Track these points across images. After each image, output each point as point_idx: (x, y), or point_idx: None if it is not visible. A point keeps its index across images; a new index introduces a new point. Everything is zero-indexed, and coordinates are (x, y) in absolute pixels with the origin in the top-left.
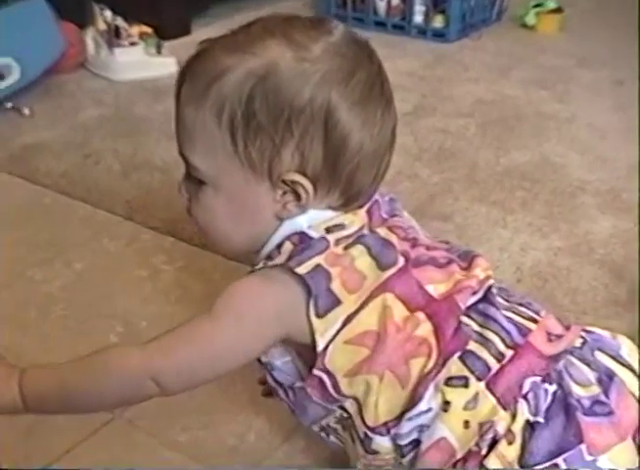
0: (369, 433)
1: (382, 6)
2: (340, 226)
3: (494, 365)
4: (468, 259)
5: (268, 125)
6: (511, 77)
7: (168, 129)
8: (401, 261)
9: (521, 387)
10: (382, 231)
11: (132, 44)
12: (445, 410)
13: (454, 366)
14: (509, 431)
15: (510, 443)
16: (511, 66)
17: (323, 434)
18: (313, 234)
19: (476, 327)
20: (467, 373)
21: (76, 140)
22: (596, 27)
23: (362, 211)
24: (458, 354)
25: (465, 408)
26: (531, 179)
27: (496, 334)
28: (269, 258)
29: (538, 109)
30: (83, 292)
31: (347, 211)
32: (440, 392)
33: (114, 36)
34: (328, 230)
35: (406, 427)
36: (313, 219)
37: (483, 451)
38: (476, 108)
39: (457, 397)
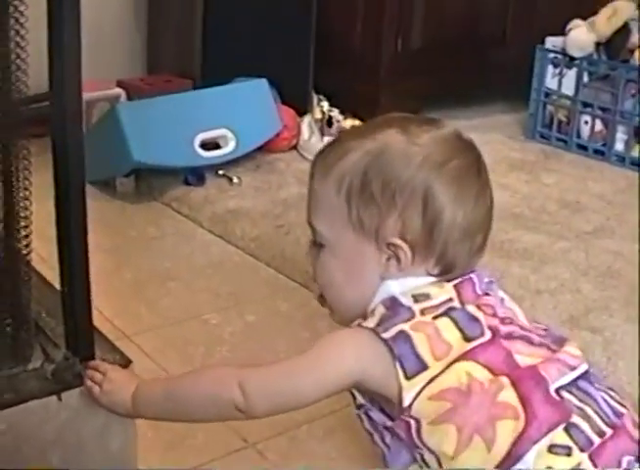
0: None
1: (585, 130)
2: (425, 296)
3: (596, 440)
4: (559, 343)
5: (378, 196)
6: None
7: None
8: (488, 335)
9: (619, 463)
10: (470, 308)
11: None
12: None
13: (558, 436)
14: None
15: None
16: None
17: None
18: (403, 300)
19: (576, 402)
20: (571, 443)
21: (274, 212)
22: None
23: (449, 285)
24: (563, 426)
25: None
26: None
27: (596, 412)
28: (364, 318)
29: None
30: (249, 340)
31: (435, 283)
32: (543, 457)
33: (326, 125)
34: (415, 298)
35: None
36: (406, 286)
37: None
38: None
39: (560, 464)
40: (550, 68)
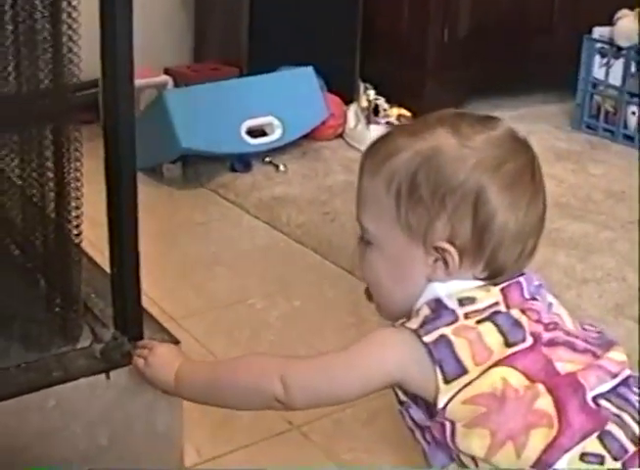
0: None
1: (632, 120)
2: (470, 299)
3: (631, 448)
4: (606, 348)
5: (427, 198)
6: None
7: None
8: (529, 341)
9: None
10: (515, 312)
11: (388, 123)
12: None
13: (591, 444)
14: None
15: None
16: None
17: None
18: (448, 303)
19: (614, 410)
20: (603, 452)
21: (320, 198)
22: None
23: (496, 289)
24: (597, 434)
25: None
26: None
27: (633, 418)
28: (408, 317)
29: None
30: (295, 325)
31: (482, 287)
32: (574, 465)
33: (372, 114)
34: (460, 301)
35: None
36: (452, 288)
37: None
38: None
39: None
40: (597, 58)
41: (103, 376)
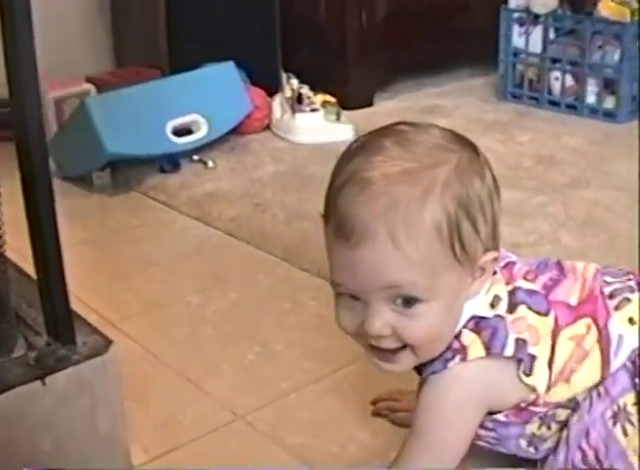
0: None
1: (556, 86)
2: (497, 298)
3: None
4: (553, 268)
5: (468, 226)
6: None
7: None
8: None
9: None
10: (523, 283)
11: (313, 110)
12: None
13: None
14: None
15: None
16: None
17: (532, 449)
18: (486, 314)
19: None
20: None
21: (250, 191)
22: None
23: (497, 275)
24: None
25: None
26: None
27: None
28: (454, 351)
29: None
30: (233, 317)
31: (492, 282)
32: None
33: (296, 102)
34: (492, 306)
35: None
36: (477, 300)
37: None
38: (631, 183)
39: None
40: (516, 27)
41: (39, 383)
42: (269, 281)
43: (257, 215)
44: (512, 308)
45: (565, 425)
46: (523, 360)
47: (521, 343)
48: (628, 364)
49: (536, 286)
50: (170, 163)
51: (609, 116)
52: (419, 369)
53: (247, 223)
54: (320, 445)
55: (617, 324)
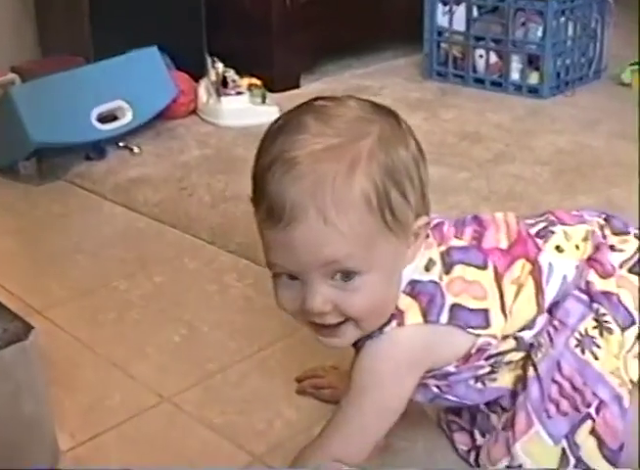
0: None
1: (481, 63)
2: (431, 261)
3: None
4: (472, 223)
5: (396, 194)
6: (596, 130)
7: None
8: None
9: None
10: (456, 242)
11: (238, 93)
12: None
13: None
14: None
15: None
16: (599, 120)
17: (479, 384)
18: (421, 277)
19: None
20: None
21: (176, 175)
22: None
23: (430, 239)
24: None
25: None
26: None
27: None
28: (391, 315)
29: (616, 158)
30: (158, 300)
31: (425, 246)
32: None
33: (221, 86)
34: (427, 269)
35: None
36: (410, 267)
37: None
38: (554, 157)
39: None
40: (440, 6)
41: None
42: (195, 264)
43: (183, 199)
44: (448, 269)
45: (516, 364)
46: (469, 323)
47: (457, 308)
48: (578, 293)
49: (466, 242)
50: (96, 150)
51: (533, 91)
52: (356, 342)
53: (172, 207)
54: (246, 423)
55: (546, 254)
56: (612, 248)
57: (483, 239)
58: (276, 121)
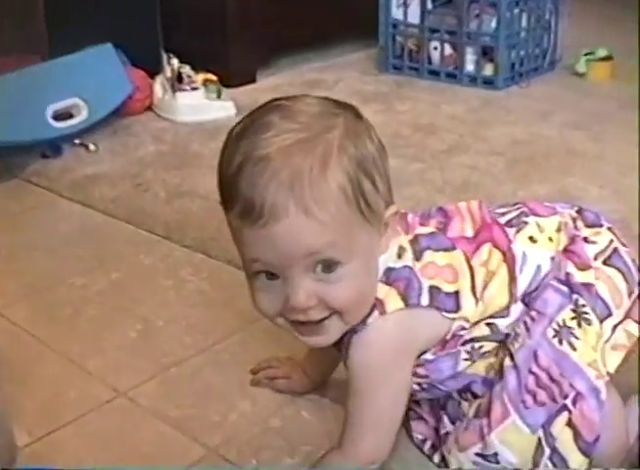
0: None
1: (436, 56)
2: (402, 248)
3: None
4: (437, 215)
5: (369, 184)
6: (550, 120)
7: (216, 163)
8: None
9: None
10: (422, 230)
11: (194, 89)
12: None
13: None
14: None
15: None
16: (553, 110)
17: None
18: (394, 265)
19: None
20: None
21: (131, 171)
22: None
23: (397, 227)
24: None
25: None
26: None
27: None
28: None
29: (570, 147)
30: (114, 296)
31: (390, 237)
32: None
33: (177, 82)
34: (399, 256)
35: None
36: (383, 256)
37: None
38: (508, 147)
39: None
40: None
41: None
42: (150, 259)
43: (138, 195)
44: (418, 256)
45: (493, 354)
46: (444, 307)
47: (435, 291)
48: (557, 284)
49: (432, 229)
50: (52, 148)
51: (488, 83)
52: (338, 340)
53: (128, 204)
54: (201, 415)
55: (520, 244)
56: (585, 240)
57: (448, 228)
58: (236, 126)
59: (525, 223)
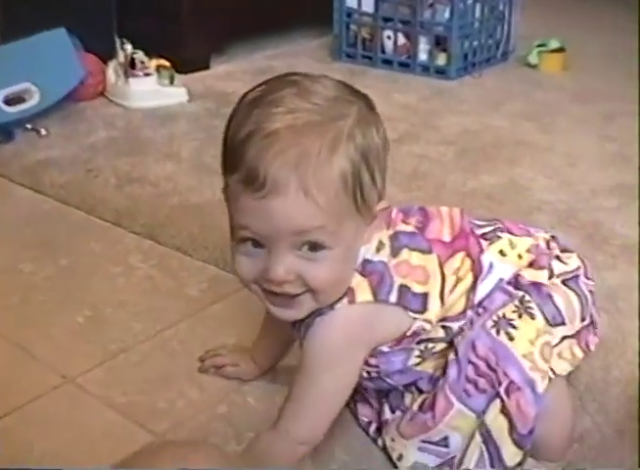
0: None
1: (389, 45)
2: (381, 243)
3: None
4: (416, 213)
5: (367, 176)
6: (501, 111)
7: (168, 150)
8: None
9: None
10: (404, 227)
11: (146, 75)
12: None
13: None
14: None
15: None
16: (504, 100)
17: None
18: (371, 257)
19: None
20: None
21: (82, 157)
22: (598, 67)
23: (380, 222)
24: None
25: None
26: (494, 199)
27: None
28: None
29: (519, 138)
30: (63, 283)
31: (374, 229)
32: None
33: (129, 67)
34: (378, 250)
35: None
36: (363, 248)
37: None
38: (459, 137)
39: None
40: None
41: None
42: (100, 246)
43: (89, 181)
44: (395, 252)
45: (442, 355)
46: (410, 305)
47: (404, 290)
48: (505, 286)
49: (412, 228)
50: (3, 132)
51: (441, 73)
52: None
53: (78, 190)
54: (148, 402)
55: (490, 254)
56: (557, 258)
57: (426, 229)
58: (251, 91)
59: (499, 237)
